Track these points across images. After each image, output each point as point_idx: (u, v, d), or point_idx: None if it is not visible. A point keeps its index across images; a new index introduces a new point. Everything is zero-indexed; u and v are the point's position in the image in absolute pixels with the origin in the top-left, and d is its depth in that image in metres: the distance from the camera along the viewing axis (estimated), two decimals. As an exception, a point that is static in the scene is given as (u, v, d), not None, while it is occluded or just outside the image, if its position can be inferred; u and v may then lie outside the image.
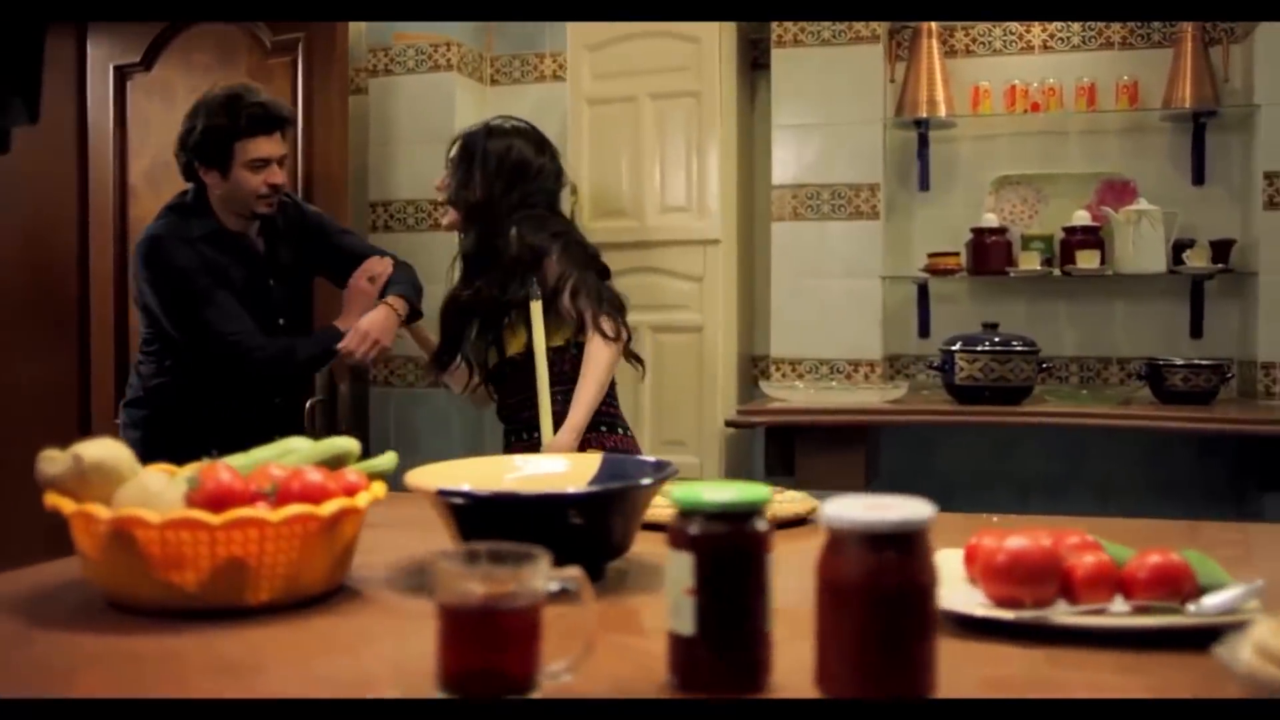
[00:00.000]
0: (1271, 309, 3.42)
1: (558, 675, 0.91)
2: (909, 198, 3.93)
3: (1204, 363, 3.31)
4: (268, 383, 2.78)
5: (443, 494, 1.24)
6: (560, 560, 1.25)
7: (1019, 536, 1.15)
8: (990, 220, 3.71)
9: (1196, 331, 3.69)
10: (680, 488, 0.94)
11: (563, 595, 0.93)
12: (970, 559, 1.25)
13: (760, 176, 3.99)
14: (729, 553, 0.91)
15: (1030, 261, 3.64)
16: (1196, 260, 3.52)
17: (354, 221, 3.85)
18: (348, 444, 1.34)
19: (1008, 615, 1.08)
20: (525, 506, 1.25)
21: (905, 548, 0.86)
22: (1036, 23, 3.82)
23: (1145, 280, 3.63)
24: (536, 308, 2.57)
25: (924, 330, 3.90)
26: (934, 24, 3.78)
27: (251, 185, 2.66)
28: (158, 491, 1.14)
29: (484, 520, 1.27)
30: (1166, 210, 3.51)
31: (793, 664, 0.92)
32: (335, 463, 1.32)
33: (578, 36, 3.73)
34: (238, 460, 1.31)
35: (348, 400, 3.63)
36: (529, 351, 2.62)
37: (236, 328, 2.70)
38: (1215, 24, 3.67)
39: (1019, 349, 3.33)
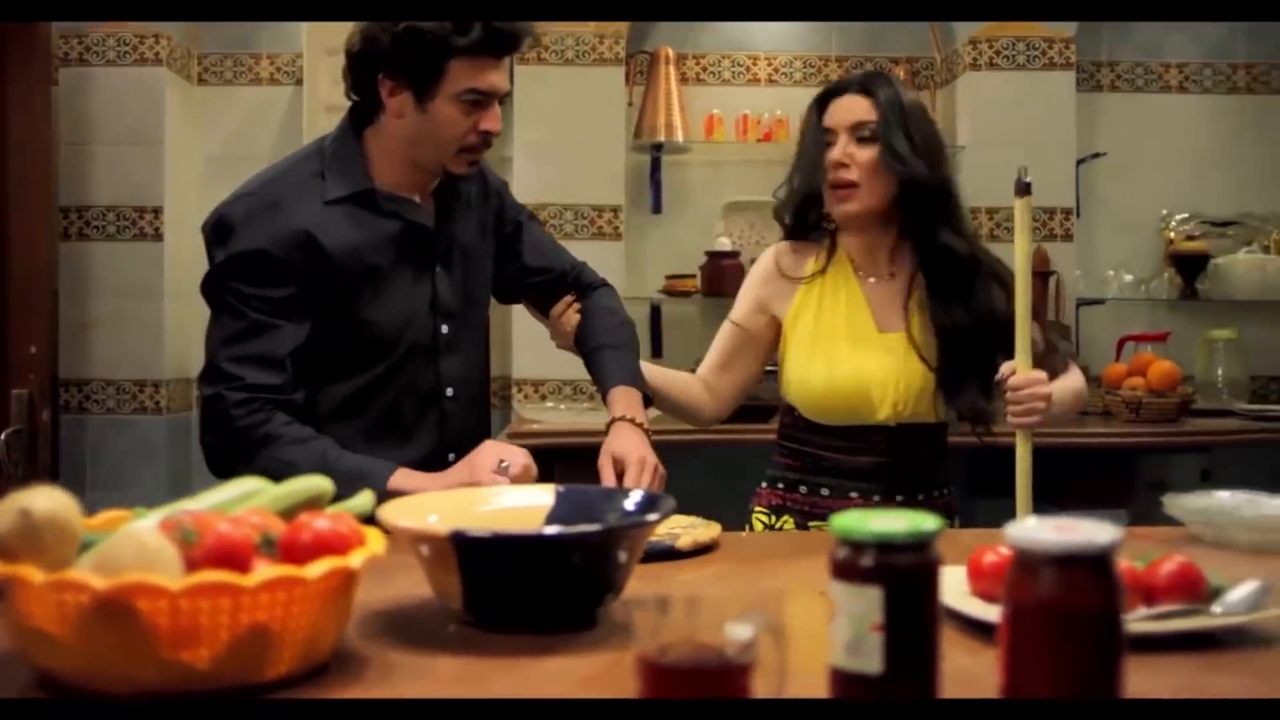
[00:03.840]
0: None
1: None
2: (641, 219, 3.98)
3: (926, 380, 3.57)
4: (209, 460, 1.78)
5: (460, 537, 1.11)
6: (557, 602, 1.17)
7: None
8: (724, 244, 3.82)
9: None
10: (844, 518, 0.88)
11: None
12: (977, 573, 1.27)
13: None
14: (918, 584, 0.86)
15: (763, 285, 3.79)
16: (910, 285, 3.81)
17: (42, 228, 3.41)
18: (321, 483, 1.16)
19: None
20: (544, 546, 1.14)
21: (1099, 569, 0.85)
22: (762, 56, 4.01)
23: (864, 304, 3.87)
24: (1024, 207, 1.84)
25: (656, 351, 3.96)
26: (670, 50, 3.87)
27: (458, 128, 1.75)
28: (157, 548, 0.93)
29: (490, 561, 1.15)
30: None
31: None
32: (311, 504, 1.14)
33: (316, 40, 3.51)
34: (190, 506, 1.10)
35: (48, 429, 3.20)
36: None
37: (239, 373, 1.72)
38: (922, 70, 3.99)
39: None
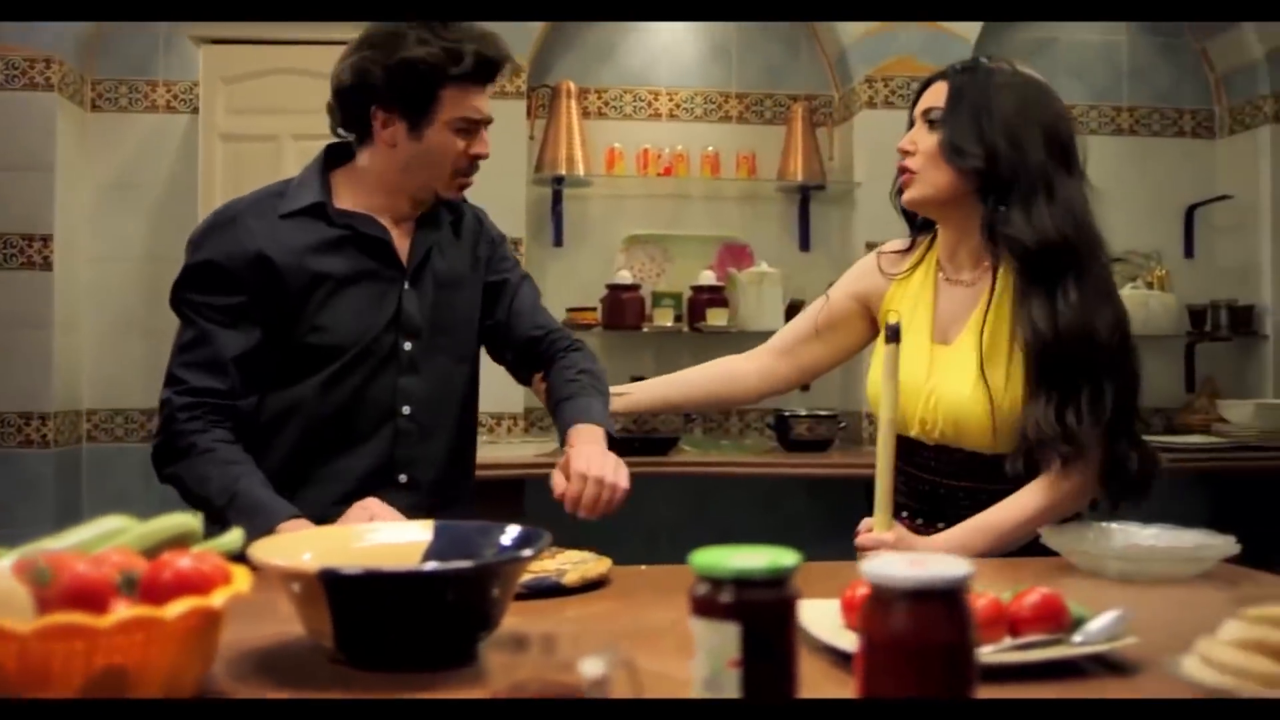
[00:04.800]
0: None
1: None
2: (542, 252, 3.99)
3: (824, 413, 3.63)
4: (156, 456, 1.83)
5: (329, 575, 1.10)
6: (430, 639, 1.16)
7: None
8: (625, 277, 3.85)
9: (804, 385, 4.03)
10: (703, 554, 0.89)
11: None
12: (850, 606, 1.29)
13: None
14: (775, 620, 0.88)
15: (664, 318, 3.83)
16: (809, 319, 3.87)
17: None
18: (188, 521, 1.14)
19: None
20: (416, 582, 1.13)
21: (951, 603, 0.87)
22: (664, 92, 4.05)
23: (764, 337, 3.91)
24: (892, 354, 1.63)
25: (559, 383, 3.97)
26: (571, 84, 3.89)
27: (451, 154, 1.83)
28: (7, 590, 0.91)
29: (359, 599, 1.14)
30: (783, 272, 3.84)
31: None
32: (178, 543, 1.12)
33: (212, 67, 3.46)
34: (50, 545, 1.08)
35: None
36: None
37: (185, 377, 1.79)
38: (820, 107, 4.07)
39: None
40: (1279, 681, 0.96)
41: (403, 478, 1.87)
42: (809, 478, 3.73)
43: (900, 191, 1.89)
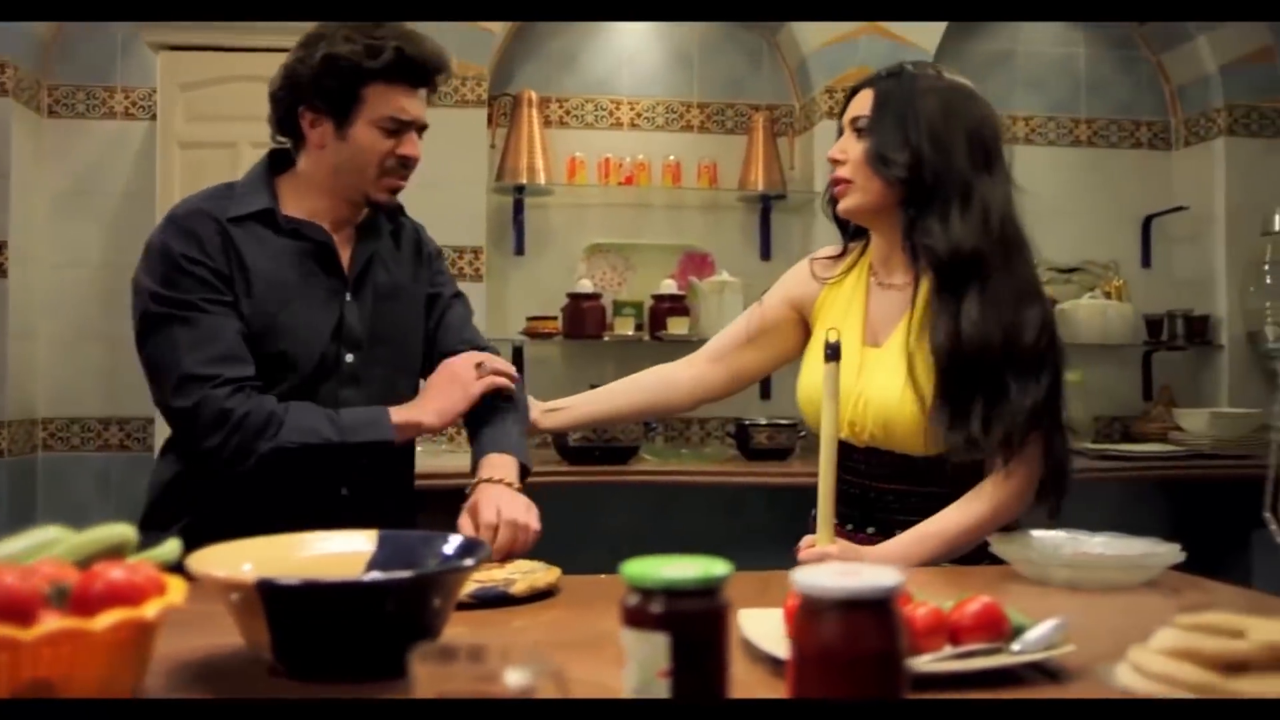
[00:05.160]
0: (833, 373, 3.84)
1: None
2: (503, 260, 3.99)
3: (784, 422, 3.64)
4: (219, 462, 1.75)
5: (267, 586, 1.09)
6: (369, 650, 1.16)
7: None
8: (586, 286, 3.85)
9: (765, 394, 4.05)
10: (632, 565, 0.89)
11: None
12: (791, 615, 1.29)
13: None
14: (706, 630, 0.88)
15: (624, 327, 3.83)
16: (769, 328, 3.88)
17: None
18: (123, 531, 1.13)
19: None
20: (353, 593, 1.13)
21: (880, 612, 0.88)
22: (625, 101, 4.06)
23: (725, 346, 3.93)
24: (832, 372, 1.61)
25: (520, 391, 3.96)
26: (533, 93, 3.89)
27: (378, 150, 1.81)
28: (-71, 603, 0.90)
29: (297, 610, 1.13)
30: (744, 281, 3.85)
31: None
32: (112, 553, 1.11)
33: (170, 74, 3.44)
34: (-20, 557, 1.07)
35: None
36: None
37: (217, 371, 1.73)
38: (782, 118, 4.09)
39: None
40: (1208, 689, 0.97)
41: (344, 490, 1.86)
42: (769, 486, 3.72)
43: (833, 200, 1.89)
